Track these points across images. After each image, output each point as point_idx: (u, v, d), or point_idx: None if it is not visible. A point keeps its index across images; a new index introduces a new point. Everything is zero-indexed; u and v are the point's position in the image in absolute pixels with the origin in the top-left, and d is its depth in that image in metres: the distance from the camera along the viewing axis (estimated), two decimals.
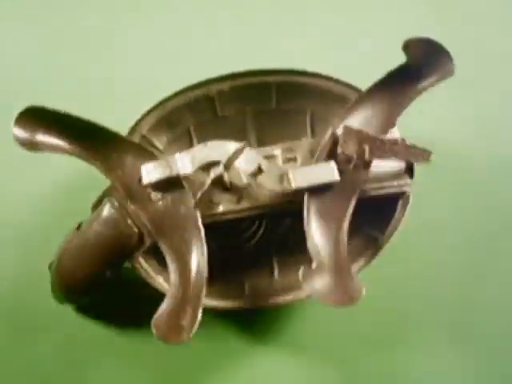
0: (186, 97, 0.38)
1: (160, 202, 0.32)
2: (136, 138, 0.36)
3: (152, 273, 0.34)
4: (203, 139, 0.35)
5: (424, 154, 0.33)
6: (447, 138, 0.44)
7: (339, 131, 0.33)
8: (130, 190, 0.32)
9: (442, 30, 0.42)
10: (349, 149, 0.32)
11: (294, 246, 0.36)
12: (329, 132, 0.34)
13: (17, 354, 0.36)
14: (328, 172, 0.32)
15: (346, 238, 0.32)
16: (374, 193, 0.34)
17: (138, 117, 0.37)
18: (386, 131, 0.34)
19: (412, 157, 0.33)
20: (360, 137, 0.32)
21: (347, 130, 0.32)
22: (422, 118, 0.40)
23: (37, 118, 0.33)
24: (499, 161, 0.43)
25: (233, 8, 0.49)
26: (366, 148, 0.32)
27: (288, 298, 0.33)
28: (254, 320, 0.37)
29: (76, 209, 0.35)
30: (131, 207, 0.32)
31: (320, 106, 0.38)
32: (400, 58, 0.35)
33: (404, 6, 0.50)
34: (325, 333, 0.37)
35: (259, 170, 0.32)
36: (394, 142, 0.33)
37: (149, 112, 0.37)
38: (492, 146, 0.44)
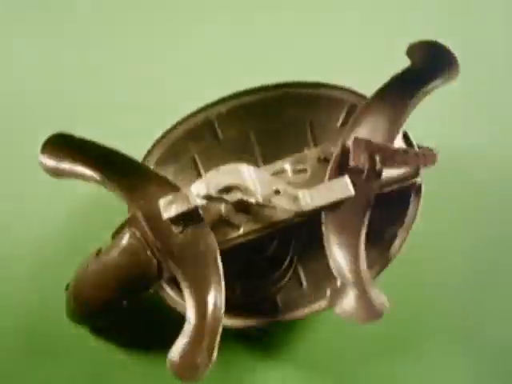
0: (187, 125, 0.38)
1: (181, 235, 0.32)
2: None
3: (176, 298, 0.34)
4: (208, 165, 0.36)
5: (432, 157, 0.34)
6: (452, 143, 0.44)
7: (349, 142, 0.33)
8: (151, 221, 0.33)
9: (448, 33, 0.42)
10: (360, 160, 0.33)
11: (316, 254, 0.37)
12: (339, 144, 0.34)
13: (35, 378, 0.37)
14: (343, 188, 0.32)
15: (364, 251, 0.32)
16: (385, 189, 0.34)
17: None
18: (393, 137, 0.34)
19: (422, 163, 0.34)
20: (370, 147, 0.33)
21: (357, 141, 0.33)
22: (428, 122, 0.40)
23: (62, 145, 0.34)
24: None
25: (234, 20, 0.50)
26: (377, 159, 0.32)
27: (322, 304, 0.33)
28: (262, 336, 0.38)
29: (93, 234, 0.35)
30: (152, 238, 0.32)
31: (318, 112, 0.39)
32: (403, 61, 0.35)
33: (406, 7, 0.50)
34: (334, 347, 0.38)
35: (276, 193, 0.32)
36: (404, 151, 0.34)
37: (153, 146, 0.37)
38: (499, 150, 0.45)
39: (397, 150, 0.34)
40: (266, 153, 0.38)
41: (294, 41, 0.48)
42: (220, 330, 0.29)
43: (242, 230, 0.33)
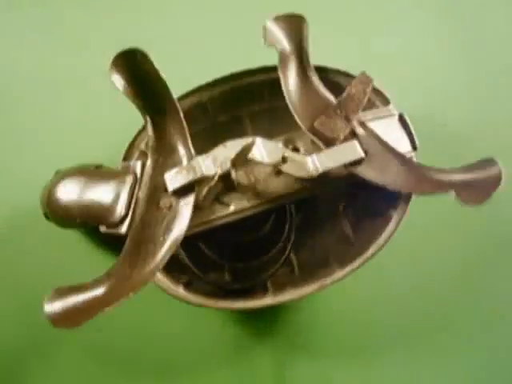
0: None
1: (161, 212, 0.31)
2: (135, 154, 0.35)
3: (172, 285, 0.33)
4: (201, 147, 0.35)
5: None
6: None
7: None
8: (153, 181, 0.32)
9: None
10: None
11: (309, 239, 0.36)
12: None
13: (36, 368, 0.37)
14: (352, 150, 0.32)
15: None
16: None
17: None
18: None
19: None
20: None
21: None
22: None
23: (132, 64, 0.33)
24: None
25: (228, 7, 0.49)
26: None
27: (315, 286, 0.32)
28: (252, 318, 0.37)
29: None
30: (139, 194, 0.32)
31: None
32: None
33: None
34: (323, 330, 0.37)
35: (283, 160, 0.31)
36: None
37: (144, 127, 0.36)
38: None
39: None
40: (258, 135, 0.38)
41: None
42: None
43: (232, 208, 0.33)
